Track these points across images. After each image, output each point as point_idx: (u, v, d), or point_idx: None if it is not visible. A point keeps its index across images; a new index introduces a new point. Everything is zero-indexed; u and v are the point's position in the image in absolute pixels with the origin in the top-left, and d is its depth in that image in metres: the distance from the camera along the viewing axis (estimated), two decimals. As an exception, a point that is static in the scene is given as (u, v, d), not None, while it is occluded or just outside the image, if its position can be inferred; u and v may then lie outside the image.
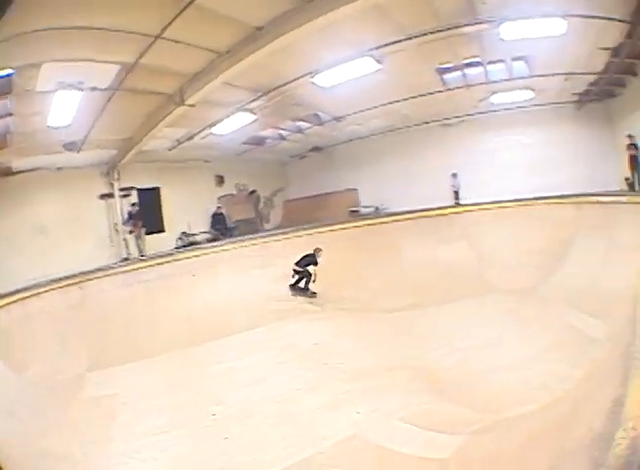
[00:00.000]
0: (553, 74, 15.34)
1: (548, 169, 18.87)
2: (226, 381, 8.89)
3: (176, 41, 9.72)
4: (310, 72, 12.64)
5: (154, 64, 10.59)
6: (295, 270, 13.94)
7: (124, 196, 17.06)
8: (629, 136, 16.06)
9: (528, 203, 16.34)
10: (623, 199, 13.35)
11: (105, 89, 11.19)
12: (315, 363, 9.16)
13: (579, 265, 12.74)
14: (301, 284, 13.92)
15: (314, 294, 13.69)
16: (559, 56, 13.51)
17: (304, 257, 13.91)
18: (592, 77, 15.94)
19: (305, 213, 21.77)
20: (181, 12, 8.56)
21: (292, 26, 9.42)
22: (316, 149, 22.78)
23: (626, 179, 16.57)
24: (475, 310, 11.77)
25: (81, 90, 10.69)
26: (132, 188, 17.46)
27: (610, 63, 14.06)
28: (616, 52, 13.12)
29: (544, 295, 12.46)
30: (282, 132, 19.17)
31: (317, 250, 13.88)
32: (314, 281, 13.53)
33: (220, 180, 21.31)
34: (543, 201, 16.13)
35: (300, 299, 13.72)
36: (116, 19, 8.48)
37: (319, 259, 13.74)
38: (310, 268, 13.64)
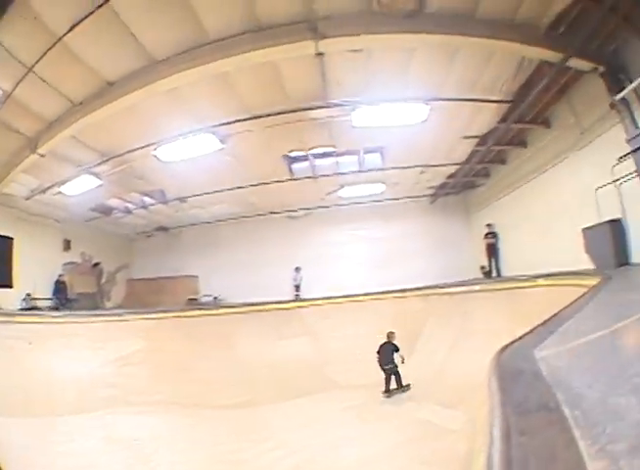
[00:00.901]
0: (408, 167, 15.69)
1: (398, 262, 19.64)
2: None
3: (43, 80, 9.20)
4: (153, 144, 12.10)
5: (23, 99, 9.92)
6: (385, 370, 11.82)
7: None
8: (488, 225, 16.75)
9: (375, 297, 16.35)
10: (476, 287, 13.60)
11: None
12: (135, 461, 8.14)
13: (428, 357, 12.70)
14: (392, 384, 11.85)
15: (408, 386, 11.77)
16: (416, 146, 13.72)
17: (382, 347, 11.97)
18: (451, 168, 16.55)
19: (147, 296, 20.87)
20: (52, 47, 8.20)
21: (138, 85, 9.21)
22: (162, 229, 22.09)
23: (482, 268, 17.20)
24: (315, 409, 11.08)
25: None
26: (-11, 230, 15.66)
27: (474, 152, 14.56)
28: (483, 140, 13.51)
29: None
30: (128, 205, 18.24)
31: (390, 334, 12.18)
32: (403, 362, 11.69)
33: (67, 245, 19.35)
34: (390, 294, 16.21)
35: (131, 387, 12.20)
36: (8, 36, 7.93)
37: (397, 342, 12.04)
38: (396, 358, 11.79)
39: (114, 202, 17.78)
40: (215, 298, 20.66)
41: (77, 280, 19.42)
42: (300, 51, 8.49)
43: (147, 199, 17.69)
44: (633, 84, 8.26)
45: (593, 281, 7.64)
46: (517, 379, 2.33)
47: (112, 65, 9.05)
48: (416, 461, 7.74)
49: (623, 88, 8.63)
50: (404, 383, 11.73)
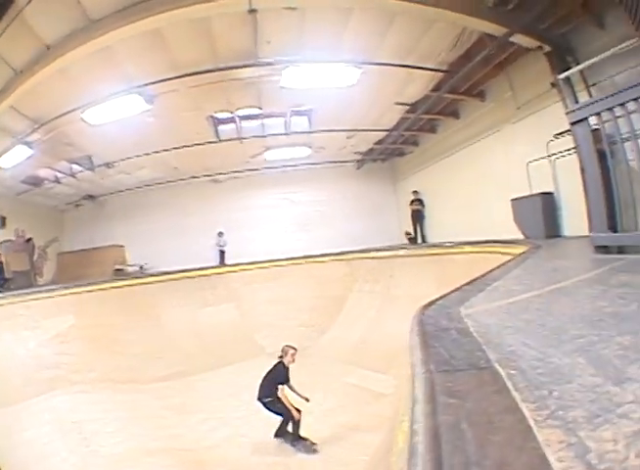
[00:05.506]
0: (335, 131, 15.53)
1: (323, 227, 19.97)
2: None
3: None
4: (81, 107, 11.43)
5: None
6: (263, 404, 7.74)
7: None
8: (414, 192, 17.31)
9: (299, 261, 16.50)
10: (401, 252, 13.78)
11: None
12: (75, 444, 7.88)
13: (354, 322, 12.74)
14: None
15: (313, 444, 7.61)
16: (345, 110, 13.60)
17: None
18: (380, 135, 16.60)
19: (76, 269, 20.08)
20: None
21: (73, 46, 8.76)
22: (90, 197, 21.11)
23: (407, 234, 17.84)
24: (243, 377, 10.73)
25: None
26: None
27: (404, 119, 14.57)
28: (414, 108, 13.45)
29: (319, 354, 12.33)
30: (57, 174, 17.44)
31: (286, 350, 8.03)
32: (307, 401, 7.88)
33: (2, 222, 17.99)
34: (315, 259, 16.45)
35: (69, 366, 11.53)
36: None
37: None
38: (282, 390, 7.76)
39: (44, 172, 17.01)
40: (141, 267, 20.06)
41: (13, 258, 18.33)
42: (234, 7, 8.21)
43: (75, 166, 16.97)
44: (580, 66, 8.23)
45: (521, 249, 7.68)
46: (441, 336, 2.09)
47: (52, 27, 8.60)
48: (346, 427, 7.82)
49: (568, 68, 8.62)
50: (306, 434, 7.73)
